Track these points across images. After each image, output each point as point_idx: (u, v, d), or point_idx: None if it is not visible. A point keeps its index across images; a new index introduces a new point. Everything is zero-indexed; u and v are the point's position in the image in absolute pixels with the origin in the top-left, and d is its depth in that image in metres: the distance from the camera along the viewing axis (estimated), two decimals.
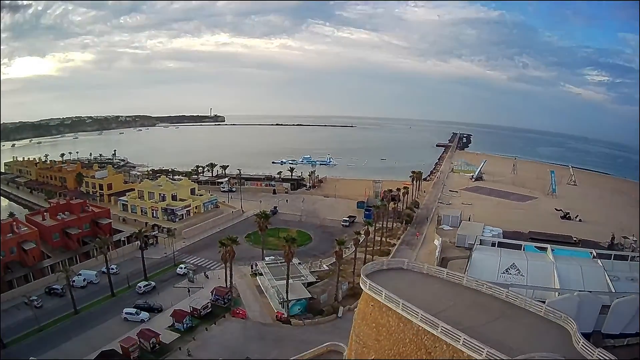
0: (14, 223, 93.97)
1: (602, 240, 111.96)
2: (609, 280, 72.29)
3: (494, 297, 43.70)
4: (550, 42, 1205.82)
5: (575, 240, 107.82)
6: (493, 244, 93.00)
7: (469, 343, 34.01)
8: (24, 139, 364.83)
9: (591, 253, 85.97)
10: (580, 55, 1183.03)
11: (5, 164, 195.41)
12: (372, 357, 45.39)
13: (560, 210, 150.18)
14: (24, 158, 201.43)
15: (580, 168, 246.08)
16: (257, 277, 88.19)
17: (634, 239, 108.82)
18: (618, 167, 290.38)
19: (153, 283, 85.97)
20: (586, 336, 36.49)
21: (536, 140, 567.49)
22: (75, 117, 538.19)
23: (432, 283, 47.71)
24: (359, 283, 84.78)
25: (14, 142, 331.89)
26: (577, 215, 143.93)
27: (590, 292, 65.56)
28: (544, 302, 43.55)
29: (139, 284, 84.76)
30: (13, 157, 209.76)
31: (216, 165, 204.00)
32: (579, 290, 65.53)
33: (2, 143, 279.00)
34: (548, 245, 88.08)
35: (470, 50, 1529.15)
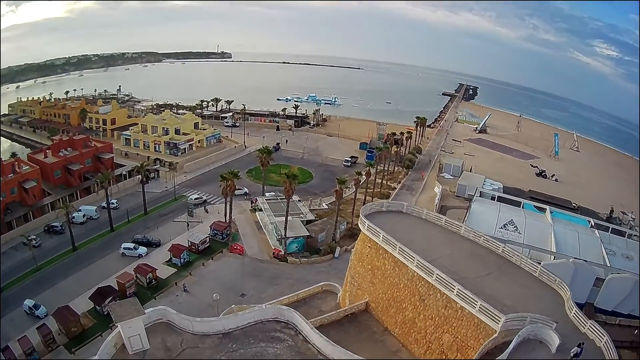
0: (16, 163, 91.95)
1: (597, 209, 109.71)
2: (605, 253, 70.06)
3: (490, 251, 42.76)
4: (561, 8, 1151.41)
5: (574, 206, 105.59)
6: (493, 198, 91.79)
7: (463, 294, 33.35)
8: (29, 79, 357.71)
9: (589, 222, 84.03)
10: (590, 26, 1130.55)
11: (9, 105, 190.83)
12: (366, 300, 44.54)
13: (536, 167, 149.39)
14: (28, 98, 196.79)
15: (583, 137, 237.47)
16: (257, 213, 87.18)
17: (632, 216, 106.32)
18: (622, 142, 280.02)
19: (205, 197, 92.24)
20: (579, 306, 35.55)
21: (542, 101, 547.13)
22: (82, 55, 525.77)
23: (430, 229, 46.52)
24: (357, 224, 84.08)
25: (19, 83, 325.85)
26: (554, 175, 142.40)
27: (586, 261, 63.67)
28: (539, 263, 43.00)
29: (190, 197, 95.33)
30: (17, 98, 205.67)
31: (221, 100, 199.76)
32: (575, 258, 63.88)
33: (6, 86, 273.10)
34: (547, 207, 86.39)
35: (480, 5, 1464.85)
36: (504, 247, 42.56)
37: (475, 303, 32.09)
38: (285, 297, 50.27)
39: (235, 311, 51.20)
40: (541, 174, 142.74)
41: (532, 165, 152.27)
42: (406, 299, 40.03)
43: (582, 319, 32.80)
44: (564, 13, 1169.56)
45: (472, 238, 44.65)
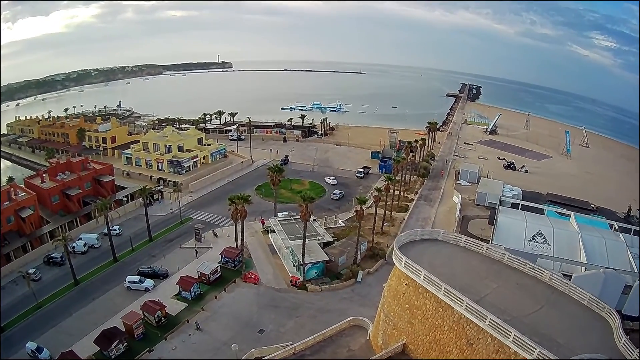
0: (12, 189, 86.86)
1: (611, 207, 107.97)
2: (631, 258, 67.78)
3: (537, 280, 39.96)
4: (557, 2, 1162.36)
5: (593, 207, 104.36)
6: (513, 205, 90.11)
7: (520, 341, 30.42)
8: (29, 96, 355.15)
9: (611, 226, 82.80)
10: (587, 18, 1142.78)
11: (8, 125, 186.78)
12: (403, 341, 39.70)
13: (504, 159, 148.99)
14: (26, 117, 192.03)
15: (590, 130, 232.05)
16: (270, 235, 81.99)
17: None
18: (626, 133, 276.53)
19: None
20: None
21: (545, 96, 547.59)
22: (81, 70, 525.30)
23: (471, 259, 42.85)
24: (377, 242, 79.37)
25: (19, 101, 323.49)
26: (523, 166, 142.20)
27: (615, 269, 61.89)
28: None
29: None
30: (16, 117, 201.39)
31: (224, 112, 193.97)
32: (605, 267, 62.15)
33: (6, 103, 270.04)
34: (572, 213, 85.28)
35: (476, 2, 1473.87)
36: (551, 275, 39.80)
37: (534, 350, 29.88)
38: (310, 337, 45.45)
39: (255, 355, 46.48)
40: (510, 166, 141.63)
41: (498, 158, 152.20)
42: (451, 342, 36.31)
43: (630, 348, 31.34)
44: (559, 6, 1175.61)
45: (516, 266, 41.43)
